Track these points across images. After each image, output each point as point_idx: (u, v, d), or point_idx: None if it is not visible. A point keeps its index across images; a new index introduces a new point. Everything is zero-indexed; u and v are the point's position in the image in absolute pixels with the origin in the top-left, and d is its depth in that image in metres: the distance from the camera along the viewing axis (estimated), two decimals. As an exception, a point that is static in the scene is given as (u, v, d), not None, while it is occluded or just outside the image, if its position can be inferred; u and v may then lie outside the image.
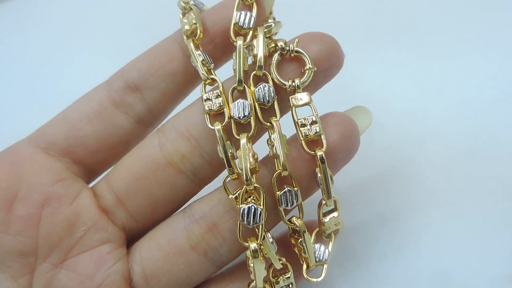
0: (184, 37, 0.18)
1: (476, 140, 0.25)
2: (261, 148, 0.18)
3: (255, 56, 0.17)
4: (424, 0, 0.31)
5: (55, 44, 0.32)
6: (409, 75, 0.28)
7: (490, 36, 0.28)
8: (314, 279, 0.18)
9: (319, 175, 0.16)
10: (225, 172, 0.18)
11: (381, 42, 0.29)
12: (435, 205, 0.23)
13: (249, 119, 0.17)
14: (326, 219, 0.17)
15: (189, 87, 0.20)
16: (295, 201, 0.17)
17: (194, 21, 0.18)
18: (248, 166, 0.16)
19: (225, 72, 0.20)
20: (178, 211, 0.19)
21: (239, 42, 0.17)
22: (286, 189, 0.16)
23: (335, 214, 0.17)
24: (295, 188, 0.17)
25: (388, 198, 0.23)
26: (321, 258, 0.17)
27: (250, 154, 0.16)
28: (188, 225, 0.18)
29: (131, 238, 0.19)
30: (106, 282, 0.18)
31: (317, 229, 0.18)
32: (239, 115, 0.17)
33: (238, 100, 0.17)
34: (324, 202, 0.17)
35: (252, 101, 0.17)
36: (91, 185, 0.20)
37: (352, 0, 0.31)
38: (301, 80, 0.17)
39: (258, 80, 0.17)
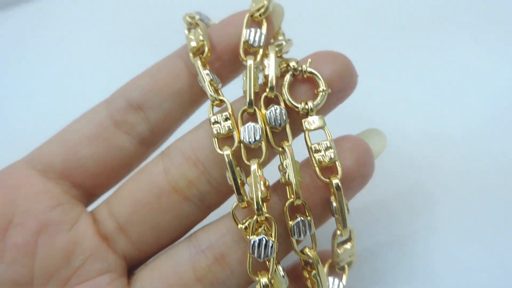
0: (191, 54, 0.17)
1: (490, 162, 0.24)
2: (271, 171, 0.17)
3: (266, 77, 0.16)
4: (434, 16, 0.30)
5: (56, 54, 0.31)
6: (419, 94, 0.27)
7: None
8: None
9: (334, 204, 0.15)
10: (233, 198, 0.17)
11: (391, 59, 0.29)
12: (447, 231, 0.22)
13: (260, 144, 0.16)
14: (340, 250, 0.16)
15: (194, 106, 0.19)
16: (308, 231, 0.16)
17: (201, 38, 0.17)
18: (260, 195, 0.15)
19: (231, 89, 0.19)
20: (182, 238, 0.18)
21: (250, 62, 0.16)
22: (299, 219, 0.15)
23: (349, 245, 0.16)
24: (308, 218, 0.16)
25: (396, 223, 0.22)
26: None
27: (261, 182, 0.15)
28: (194, 256, 0.16)
29: (132, 266, 0.18)
30: None
31: (330, 261, 0.17)
32: (250, 140, 0.16)
33: (248, 124, 0.16)
34: (339, 232, 0.16)
35: (263, 125, 0.16)
36: (90, 208, 0.19)
37: (361, 14, 0.31)
38: (315, 103, 0.16)
39: (269, 101, 0.16)
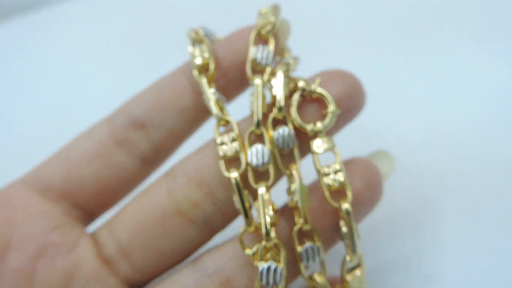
0: (195, 71, 0.17)
1: (500, 173, 0.23)
2: (277, 193, 0.17)
3: (274, 97, 0.16)
4: (435, 22, 0.30)
5: (59, 62, 0.31)
6: (426, 105, 0.27)
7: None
8: None
9: (344, 229, 0.15)
10: (239, 219, 0.16)
11: (392, 65, 0.28)
12: (454, 247, 0.22)
13: (267, 167, 0.15)
14: (350, 277, 0.16)
15: (198, 124, 0.18)
16: (317, 257, 0.15)
17: (206, 55, 0.17)
18: (268, 220, 0.15)
19: (236, 106, 0.19)
20: (186, 261, 0.17)
21: (258, 82, 0.16)
22: (307, 244, 0.15)
23: (358, 272, 0.16)
24: (317, 243, 0.15)
25: (403, 240, 0.22)
26: None
27: (270, 207, 0.15)
28: (199, 280, 0.16)
29: None
30: None
31: (339, 287, 0.16)
32: (257, 163, 0.15)
33: (255, 146, 0.15)
34: (348, 258, 0.15)
35: (270, 146, 0.15)
36: (91, 228, 0.18)
37: (361, 19, 0.31)
38: (324, 124, 0.16)
39: (277, 121, 0.16)
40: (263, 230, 0.15)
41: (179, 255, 0.17)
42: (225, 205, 0.16)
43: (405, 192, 0.24)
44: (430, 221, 0.23)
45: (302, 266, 0.15)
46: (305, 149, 0.16)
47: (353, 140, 0.23)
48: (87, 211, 0.18)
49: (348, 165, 0.16)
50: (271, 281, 0.15)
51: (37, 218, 0.17)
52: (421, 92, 0.27)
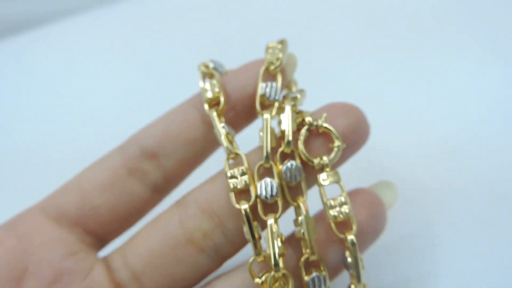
0: (206, 105, 0.18)
1: (500, 188, 0.24)
2: (285, 221, 0.17)
3: (283, 132, 0.17)
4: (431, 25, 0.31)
5: (68, 80, 0.32)
6: (422, 119, 0.27)
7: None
8: None
9: (349, 259, 0.16)
10: (248, 246, 0.17)
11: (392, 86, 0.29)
12: (454, 267, 0.22)
13: (276, 199, 0.16)
14: None
15: (208, 154, 0.19)
16: (323, 286, 0.16)
17: (217, 90, 0.18)
18: (277, 251, 0.15)
19: (243, 137, 0.20)
20: (196, 287, 0.18)
21: (267, 116, 0.17)
22: (314, 274, 0.16)
23: None
24: (323, 273, 0.16)
25: (404, 263, 0.23)
26: None
27: (278, 238, 0.16)
28: None
29: None
30: None
31: None
32: (267, 195, 0.16)
33: (265, 180, 0.16)
34: (353, 287, 0.16)
35: (278, 180, 0.16)
36: (102, 252, 0.19)
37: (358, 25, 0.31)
38: (330, 158, 0.16)
39: (285, 155, 0.17)
40: (272, 261, 0.15)
41: (190, 282, 0.18)
42: (235, 235, 0.17)
43: (405, 213, 0.24)
44: (429, 242, 0.23)
45: None
46: (312, 181, 0.17)
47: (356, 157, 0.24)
48: (100, 237, 0.19)
49: (353, 196, 0.17)
50: None
51: (53, 245, 0.17)
52: (420, 107, 0.28)
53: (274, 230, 0.16)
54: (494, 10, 0.31)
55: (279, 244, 0.15)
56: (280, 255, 0.15)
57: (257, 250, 0.16)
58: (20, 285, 0.17)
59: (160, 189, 0.19)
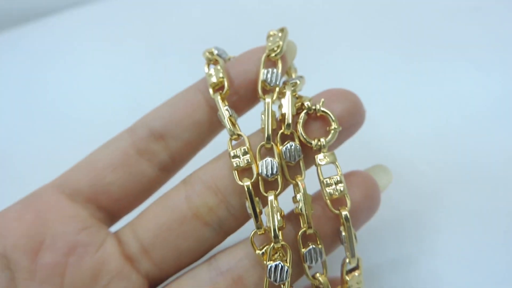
0: (211, 89, 0.19)
1: (497, 184, 0.25)
2: (285, 200, 0.19)
3: (283, 115, 0.18)
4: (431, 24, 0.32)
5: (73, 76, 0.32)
6: (420, 108, 0.28)
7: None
8: None
9: (343, 233, 0.17)
10: (250, 223, 0.18)
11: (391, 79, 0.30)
12: (450, 251, 0.23)
13: (276, 177, 0.17)
14: (349, 277, 0.18)
15: (212, 136, 0.20)
16: (319, 258, 0.17)
17: (221, 75, 0.19)
18: (276, 224, 0.17)
19: (245, 120, 0.21)
20: (202, 261, 0.19)
21: (268, 100, 0.18)
22: (311, 247, 0.17)
23: (356, 273, 0.18)
24: (320, 246, 0.17)
25: (401, 243, 0.24)
26: None
27: (278, 213, 0.17)
28: (214, 277, 0.18)
29: (153, 285, 0.20)
30: None
31: (339, 287, 0.18)
32: (267, 174, 0.17)
33: (266, 159, 0.17)
34: (347, 260, 0.17)
35: (279, 159, 0.17)
36: (113, 228, 0.20)
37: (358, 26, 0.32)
38: (327, 140, 0.18)
39: (285, 137, 0.18)
40: (272, 233, 0.17)
41: (196, 254, 0.19)
42: (238, 210, 0.18)
43: (404, 195, 0.25)
44: (429, 223, 0.24)
45: (305, 266, 0.17)
46: (310, 162, 0.18)
47: (355, 147, 0.25)
48: (111, 213, 0.20)
49: (348, 177, 0.18)
50: (278, 278, 0.17)
51: (68, 219, 0.19)
52: (417, 98, 0.29)
53: (274, 205, 0.17)
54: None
55: (279, 217, 0.17)
56: (279, 228, 0.17)
57: (258, 223, 0.17)
58: (37, 257, 0.18)
59: (168, 169, 0.20)
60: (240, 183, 0.17)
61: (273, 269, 0.17)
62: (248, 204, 0.17)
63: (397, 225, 0.24)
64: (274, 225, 0.17)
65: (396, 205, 0.25)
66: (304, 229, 0.17)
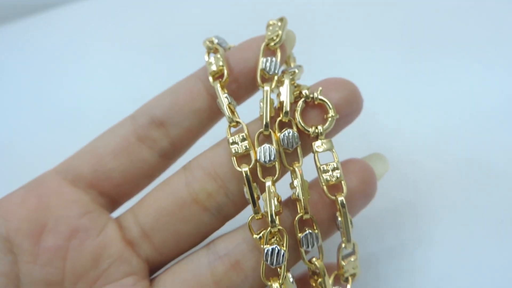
0: (210, 78, 0.19)
1: (493, 177, 0.25)
2: (283, 186, 0.19)
3: (281, 103, 0.18)
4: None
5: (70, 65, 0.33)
6: (420, 104, 0.28)
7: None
8: None
9: (339, 219, 0.17)
10: (248, 210, 0.19)
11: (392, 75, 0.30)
12: (446, 241, 0.24)
13: (274, 163, 0.18)
14: (345, 262, 0.18)
15: (212, 123, 0.21)
16: (315, 243, 0.17)
17: (221, 63, 0.19)
18: (273, 209, 0.17)
19: (244, 108, 0.21)
20: (201, 246, 0.19)
21: (266, 88, 0.18)
22: (307, 231, 0.17)
23: (352, 258, 0.18)
24: (316, 231, 0.17)
25: (397, 232, 0.24)
26: None
27: (275, 198, 0.17)
28: (212, 262, 0.18)
29: (153, 269, 0.20)
30: None
31: (336, 272, 0.19)
32: (265, 160, 0.17)
33: (264, 145, 0.18)
34: (343, 245, 0.18)
35: (277, 146, 0.18)
36: (115, 214, 0.21)
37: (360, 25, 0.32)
38: (324, 127, 0.18)
39: (283, 125, 0.18)
40: (269, 217, 0.17)
41: (195, 239, 0.19)
42: (236, 196, 0.18)
43: (402, 186, 0.26)
44: (425, 213, 0.25)
45: (302, 251, 0.18)
46: (308, 150, 0.19)
47: (354, 139, 0.25)
48: (112, 199, 0.20)
49: (345, 164, 0.19)
50: (275, 261, 0.17)
51: (69, 204, 0.19)
52: (418, 95, 0.29)
53: (271, 190, 0.17)
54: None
55: (276, 202, 0.17)
56: (276, 213, 0.17)
57: (256, 208, 0.17)
58: (40, 240, 0.19)
59: (168, 156, 0.20)
60: (238, 169, 0.18)
61: (269, 252, 0.17)
62: (246, 189, 0.17)
63: (394, 215, 0.25)
64: (271, 210, 0.17)
65: (393, 195, 0.25)
66: (301, 214, 0.17)
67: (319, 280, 0.18)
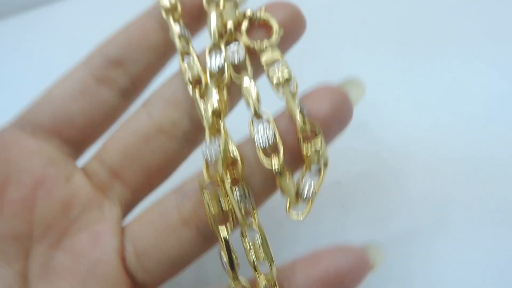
0: (163, 12, 0.19)
1: (491, 170, 0.26)
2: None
3: (224, 24, 0.19)
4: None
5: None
6: (422, 103, 0.29)
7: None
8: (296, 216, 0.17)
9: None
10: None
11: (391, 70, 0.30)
12: (443, 232, 0.24)
13: (223, 73, 0.18)
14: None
15: (169, 57, 0.21)
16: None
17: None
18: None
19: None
20: (170, 192, 0.19)
21: (212, 11, 0.19)
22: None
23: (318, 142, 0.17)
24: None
25: (394, 222, 0.24)
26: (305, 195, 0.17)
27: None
28: (180, 201, 0.18)
29: (127, 212, 0.20)
30: (102, 260, 0.18)
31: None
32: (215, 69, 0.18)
33: (213, 55, 0.18)
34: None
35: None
36: (79, 162, 0.20)
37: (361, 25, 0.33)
38: (270, 40, 0.19)
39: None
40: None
41: (166, 170, 0.19)
42: (199, 120, 0.19)
43: (397, 181, 0.26)
44: (425, 205, 0.25)
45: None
46: (260, 71, 0.19)
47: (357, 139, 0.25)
48: (76, 146, 0.20)
49: (316, 92, 0.18)
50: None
51: (32, 155, 0.19)
52: (418, 86, 0.29)
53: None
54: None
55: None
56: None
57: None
58: (3, 193, 0.18)
59: (129, 94, 0.20)
60: (191, 92, 0.18)
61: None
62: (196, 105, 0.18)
63: (393, 206, 0.25)
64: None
65: (391, 189, 0.25)
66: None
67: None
